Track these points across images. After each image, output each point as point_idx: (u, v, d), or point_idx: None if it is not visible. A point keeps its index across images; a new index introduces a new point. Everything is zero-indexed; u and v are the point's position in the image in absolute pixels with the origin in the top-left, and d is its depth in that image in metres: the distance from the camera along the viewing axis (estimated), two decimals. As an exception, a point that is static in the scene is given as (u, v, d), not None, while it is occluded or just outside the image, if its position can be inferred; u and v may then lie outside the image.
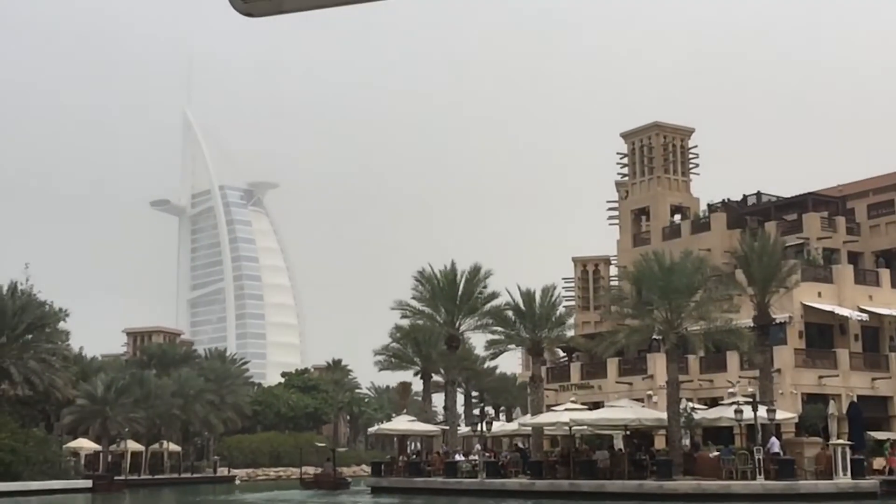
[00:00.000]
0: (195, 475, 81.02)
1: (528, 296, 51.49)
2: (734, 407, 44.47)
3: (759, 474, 41.57)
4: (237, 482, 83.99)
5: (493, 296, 55.05)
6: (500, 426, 59.04)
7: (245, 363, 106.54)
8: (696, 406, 49.39)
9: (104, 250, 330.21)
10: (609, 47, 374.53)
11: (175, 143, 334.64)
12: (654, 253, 48.19)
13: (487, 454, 52.57)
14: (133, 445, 76.18)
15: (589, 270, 74.26)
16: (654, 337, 51.71)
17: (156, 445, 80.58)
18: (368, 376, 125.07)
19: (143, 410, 76.58)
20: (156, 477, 76.34)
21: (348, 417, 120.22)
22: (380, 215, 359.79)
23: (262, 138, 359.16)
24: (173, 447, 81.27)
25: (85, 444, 71.37)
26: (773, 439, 44.74)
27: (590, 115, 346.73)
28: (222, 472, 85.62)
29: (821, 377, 53.53)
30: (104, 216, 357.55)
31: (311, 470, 72.62)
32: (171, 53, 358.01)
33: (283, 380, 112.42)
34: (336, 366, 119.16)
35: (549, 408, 53.70)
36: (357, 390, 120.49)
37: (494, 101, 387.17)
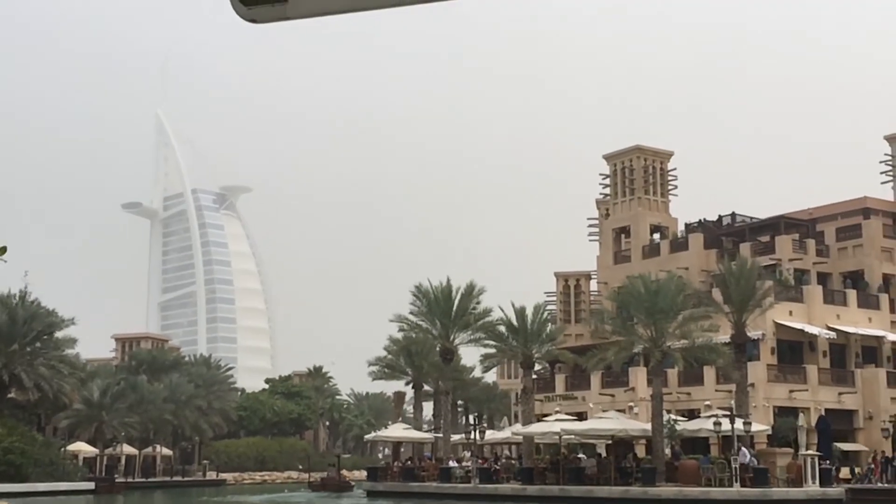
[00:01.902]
0: (186, 478, 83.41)
1: (520, 312, 54.68)
2: (713, 419, 47.90)
3: (736, 482, 44.93)
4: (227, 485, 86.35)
5: (486, 312, 58.31)
6: (491, 434, 62.08)
7: (229, 369, 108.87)
8: (676, 417, 52.66)
9: (74, 252, 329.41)
10: (593, 70, 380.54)
11: (147, 145, 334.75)
12: (639, 276, 51.54)
13: (480, 461, 55.62)
14: (127, 449, 78.48)
15: (570, 285, 77.47)
16: (634, 351, 55.05)
17: (148, 449, 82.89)
18: (346, 383, 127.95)
19: (136, 415, 78.94)
20: (150, 480, 78.66)
21: (327, 423, 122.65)
22: (353, 222, 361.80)
23: (235, 142, 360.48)
24: (165, 451, 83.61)
25: (83, 448, 73.62)
26: (743, 449, 48.19)
27: (572, 137, 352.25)
28: (211, 475, 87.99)
29: (791, 391, 57.05)
30: (75, 218, 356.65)
31: (317, 474, 75.98)
32: (144, 54, 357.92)
33: (266, 386, 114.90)
34: (317, 372, 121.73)
35: (537, 417, 56.81)
36: (337, 397, 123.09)
37: (476, 114, 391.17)
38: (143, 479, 78.24)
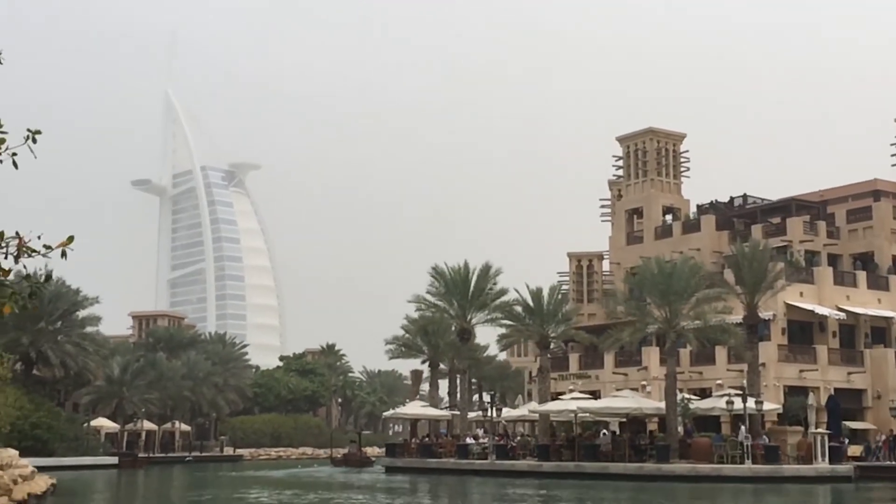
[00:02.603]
0: (204, 454, 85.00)
1: (537, 294, 55.84)
2: (726, 398, 49.11)
3: (748, 459, 46.17)
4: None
5: (503, 292, 59.52)
6: (506, 412, 63.41)
7: (244, 346, 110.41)
8: (689, 396, 53.85)
9: (83, 229, 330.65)
10: (605, 52, 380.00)
11: (156, 123, 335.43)
12: (654, 258, 52.59)
13: (497, 437, 56.92)
14: (147, 425, 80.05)
15: (583, 265, 78.59)
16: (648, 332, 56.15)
17: (167, 425, 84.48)
18: (354, 360, 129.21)
19: (156, 392, 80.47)
20: (169, 455, 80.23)
21: (340, 400, 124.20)
22: (363, 202, 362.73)
23: (243, 121, 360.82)
24: (184, 427, 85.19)
25: (105, 423, 75.19)
26: (742, 428, 49.61)
27: (586, 118, 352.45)
28: (228, 451, 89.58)
29: (801, 371, 58.20)
30: (84, 194, 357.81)
31: (339, 450, 78.13)
32: (153, 31, 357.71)
33: (280, 363, 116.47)
34: (329, 350, 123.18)
35: (552, 396, 58.04)
36: (350, 374, 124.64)
37: (490, 93, 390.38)
38: (163, 455, 79.81)
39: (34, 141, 15.34)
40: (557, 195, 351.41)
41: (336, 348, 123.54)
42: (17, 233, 15.53)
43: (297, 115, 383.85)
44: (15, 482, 26.63)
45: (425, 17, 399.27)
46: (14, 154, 14.44)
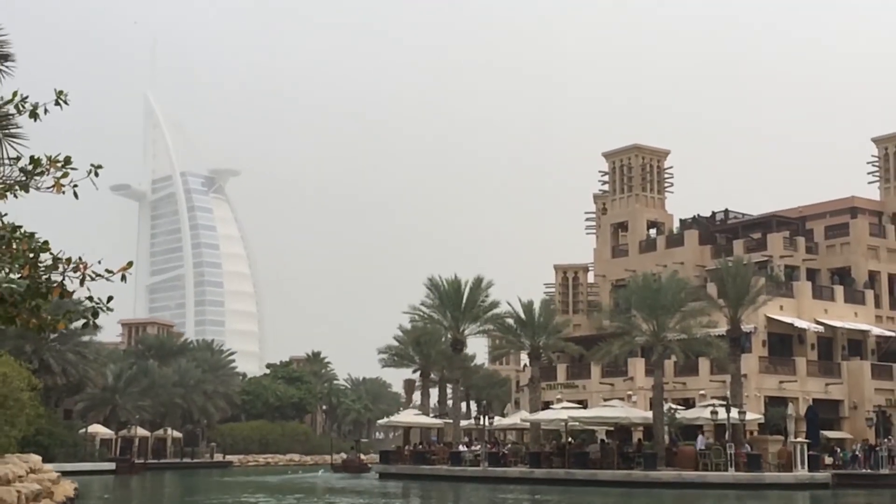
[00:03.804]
0: (195, 460, 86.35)
1: (528, 307, 57.83)
2: (710, 408, 51.26)
3: (731, 466, 48.30)
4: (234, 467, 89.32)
5: (494, 304, 61.54)
6: (497, 420, 65.24)
7: (231, 354, 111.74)
8: (675, 406, 55.93)
9: (62, 233, 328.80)
10: (591, 66, 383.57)
11: (136, 128, 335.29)
12: (642, 274, 54.73)
13: (489, 445, 58.77)
14: (140, 431, 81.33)
15: (569, 277, 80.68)
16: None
17: (159, 431, 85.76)
18: (339, 367, 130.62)
19: (148, 399, 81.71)
20: (162, 461, 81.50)
21: (325, 407, 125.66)
22: (342, 208, 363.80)
23: (224, 126, 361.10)
24: (175, 433, 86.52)
25: (100, 430, 76.40)
26: (700, 437, 52.31)
27: (569, 131, 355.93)
28: (217, 457, 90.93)
29: (781, 382, 60.46)
30: (62, 199, 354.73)
31: (327, 457, 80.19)
32: (133, 36, 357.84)
33: (267, 370, 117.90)
34: (315, 357, 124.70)
35: (542, 405, 60.00)
36: (335, 381, 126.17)
37: (474, 107, 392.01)
38: (156, 461, 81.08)
39: (96, 174, 17.08)
40: (542, 207, 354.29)
41: (321, 356, 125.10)
42: (80, 258, 17.29)
43: (279, 121, 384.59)
44: (48, 487, 28.13)
45: (413, 26, 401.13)
46: (75, 185, 16.10)
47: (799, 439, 50.85)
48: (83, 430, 70.97)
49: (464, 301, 61.49)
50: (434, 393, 70.46)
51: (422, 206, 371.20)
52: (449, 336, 63.59)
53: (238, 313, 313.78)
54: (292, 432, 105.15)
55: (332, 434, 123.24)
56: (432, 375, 69.98)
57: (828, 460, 52.47)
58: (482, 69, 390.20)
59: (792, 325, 63.07)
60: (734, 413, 49.84)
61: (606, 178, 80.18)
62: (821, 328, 63.60)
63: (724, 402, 50.68)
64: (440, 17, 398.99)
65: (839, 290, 67.44)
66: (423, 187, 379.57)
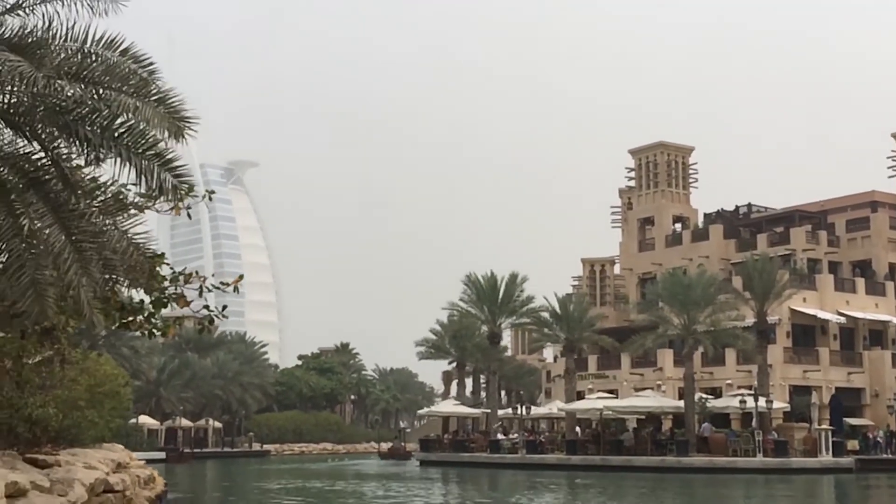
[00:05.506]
0: (234, 449, 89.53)
1: (564, 301, 60.60)
2: (738, 398, 53.95)
3: (759, 452, 50.95)
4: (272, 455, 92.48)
5: (529, 299, 64.41)
6: (534, 409, 68.08)
7: (264, 346, 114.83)
8: (706, 396, 58.60)
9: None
10: (615, 64, 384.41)
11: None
12: (673, 271, 57.39)
13: (527, 434, 61.60)
14: (184, 422, 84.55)
15: (596, 270, 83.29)
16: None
17: (201, 421, 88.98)
18: (364, 357, 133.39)
19: (190, 391, 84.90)
20: (204, 451, 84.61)
21: (353, 397, 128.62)
22: (361, 199, 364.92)
23: (243, 117, 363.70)
24: (216, 424, 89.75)
25: (148, 421, 79.57)
26: (705, 425, 54.85)
27: (597, 127, 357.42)
28: (255, 447, 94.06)
29: (805, 372, 63.01)
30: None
31: (385, 445, 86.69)
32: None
33: (299, 362, 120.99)
34: (344, 349, 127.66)
35: (577, 395, 62.81)
36: (363, 371, 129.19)
37: (497, 103, 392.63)
38: (199, 450, 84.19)
39: (210, 199, 19.51)
40: (566, 201, 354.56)
41: (350, 347, 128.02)
42: (196, 272, 20.05)
43: (297, 113, 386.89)
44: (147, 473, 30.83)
45: (437, 16, 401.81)
46: (189, 208, 18.38)
47: (823, 426, 53.46)
48: (133, 420, 73.99)
49: (500, 296, 64.35)
50: (468, 383, 73.31)
51: (444, 200, 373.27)
52: (485, 329, 66.40)
53: (258, 303, 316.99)
54: (325, 422, 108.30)
55: (360, 424, 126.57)
56: (467, 367, 72.75)
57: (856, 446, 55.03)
58: (503, 67, 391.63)
59: (815, 316, 65.55)
60: (761, 402, 52.50)
61: (632, 174, 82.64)
62: (843, 319, 66.05)
63: (752, 392, 53.33)
64: (465, 10, 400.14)
65: (860, 283, 69.82)
66: (446, 180, 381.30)
